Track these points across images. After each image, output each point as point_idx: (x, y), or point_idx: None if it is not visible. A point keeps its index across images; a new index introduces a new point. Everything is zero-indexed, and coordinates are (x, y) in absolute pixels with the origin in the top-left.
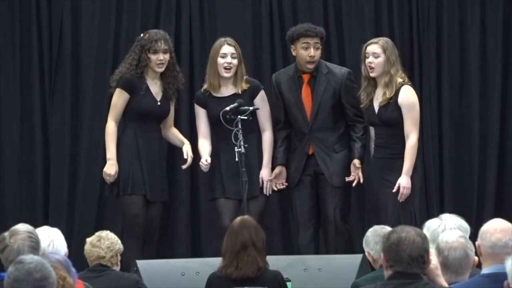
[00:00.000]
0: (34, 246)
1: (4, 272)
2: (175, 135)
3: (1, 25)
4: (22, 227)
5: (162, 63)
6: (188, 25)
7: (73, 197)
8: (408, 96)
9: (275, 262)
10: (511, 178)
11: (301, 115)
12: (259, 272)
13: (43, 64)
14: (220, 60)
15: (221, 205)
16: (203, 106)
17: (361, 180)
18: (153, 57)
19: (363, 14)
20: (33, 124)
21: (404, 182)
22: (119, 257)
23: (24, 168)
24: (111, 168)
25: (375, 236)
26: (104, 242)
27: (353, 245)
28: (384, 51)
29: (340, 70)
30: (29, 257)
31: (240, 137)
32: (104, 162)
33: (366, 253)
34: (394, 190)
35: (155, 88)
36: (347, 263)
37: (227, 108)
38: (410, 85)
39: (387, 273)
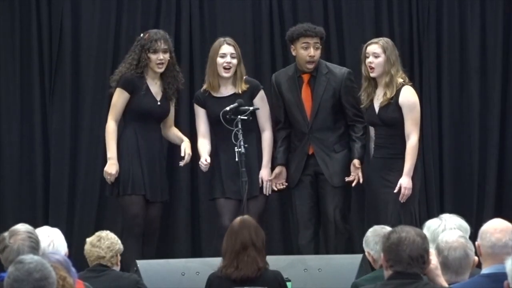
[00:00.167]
0: (34, 246)
1: (4, 273)
2: (175, 134)
3: (1, 25)
4: (22, 227)
5: (162, 63)
6: (188, 25)
7: (73, 197)
8: (409, 97)
9: (275, 262)
10: (511, 178)
11: (301, 115)
12: (259, 272)
13: (43, 64)
14: (219, 60)
15: (220, 205)
16: (202, 106)
17: (361, 180)
18: (153, 56)
19: (363, 14)
20: (33, 124)
21: (405, 182)
22: (119, 257)
23: (24, 168)
24: (111, 167)
25: (375, 236)
26: (104, 242)
27: (353, 245)
28: (384, 51)
29: (340, 70)
30: (29, 257)
31: (240, 137)
32: (104, 161)
33: (366, 253)
34: (395, 191)
35: (155, 88)
36: (347, 263)
37: (227, 108)
38: (410, 85)
39: (387, 273)
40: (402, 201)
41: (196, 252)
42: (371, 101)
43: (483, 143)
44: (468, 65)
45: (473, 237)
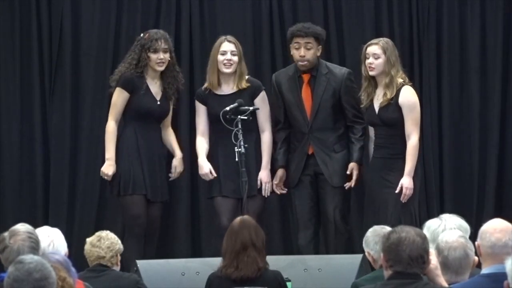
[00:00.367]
0: (34, 246)
1: (4, 273)
2: (170, 141)
3: (1, 25)
4: (22, 227)
5: (163, 62)
6: (188, 25)
7: (73, 197)
8: (409, 97)
9: (275, 262)
10: (511, 178)
11: (301, 115)
12: (259, 272)
13: (43, 64)
14: (220, 57)
15: (218, 204)
16: (203, 103)
17: (352, 184)
18: (153, 56)
19: (363, 14)
20: (33, 124)
21: (406, 182)
22: (119, 257)
23: (24, 168)
24: (109, 168)
25: (375, 236)
26: (104, 242)
27: (353, 245)
28: (385, 51)
29: (340, 70)
30: (29, 257)
31: (240, 137)
32: (104, 161)
33: (366, 253)
34: (397, 191)
35: (155, 87)
36: (347, 263)
37: (227, 108)
38: (410, 85)
39: (387, 273)
40: (403, 201)
41: (196, 252)
42: (371, 101)
43: (483, 143)
44: (468, 65)
45: (473, 237)
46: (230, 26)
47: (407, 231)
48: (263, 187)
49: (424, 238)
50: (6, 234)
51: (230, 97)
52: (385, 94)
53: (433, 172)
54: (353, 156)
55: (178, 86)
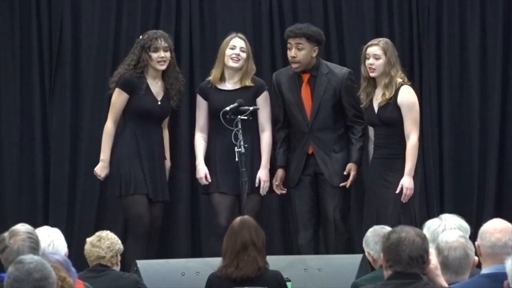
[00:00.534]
0: (34, 246)
1: (4, 273)
2: (163, 143)
3: (1, 25)
4: (22, 228)
5: (164, 60)
6: (188, 25)
7: (73, 197)
8: (407, 96)
9: (275, 262)
10: (511, 178)
11: (301, 114)
12: (259, 272)
13: (43, 64)
14: (228, 51)
15: (216, 202)
16: (205, 97)
17: (347, 185)
18: (154, 55)
19: (363, 14)
20: (33, 124)
21: (407, 183)
22: (119, 257)
23: (24, 168)
24: (102, 170)
25: (375, 236)
26: (104, 242)
27: (353, 245)
28: (385, 52)
29: (340, 70)
30: (29, 257)
31: (240, 137)
32: None
33: (366, 253)
34: (397, 191)
35: (156, 88)
36: (347, 263)
37: (227, 108)
38: (409, 85)
39: (387, 273)
40: (404, 201)
41: (196, 252)
42: (370, 101)
43: (483, 143)
44: (468, 65)
45: (473, 237)
46: (230, 26)
47: (407, 231)
48: (261, 185)
49: (424, 238)
50: (6, 234)
51: (233, 93)
52: (384, 94)
53: (433, 172)
54: (352, 156)
55: (179, 87)
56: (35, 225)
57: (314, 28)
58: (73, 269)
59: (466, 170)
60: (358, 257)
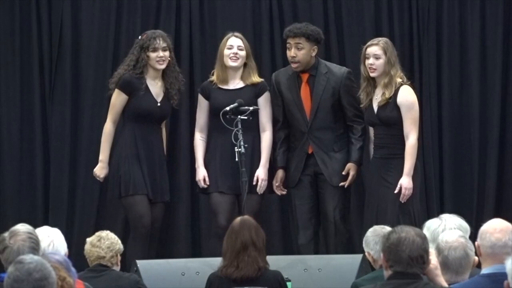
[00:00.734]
0: (34, 247)
1: (4, 273)
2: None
3: (1, 25)
4: (22, 228)
5: (163, 60)
6: (188, 25)
7: (73, 197)
8: (407, 96)
9: (275, 262)
10: (511, 178)
11: (300, 114)
12: (259, 272)
13: (43, 64)
14: (226, 51)
15: (215, 202)
16: (206, 97)
17: (345, 185)
18: (152, 54)
19: (363, 14)
20: (33, 124)
21: (405, 182)
22: (119, 257)
23: (24, 168)
24: (101, 170)
25: (375, 236)
26: (104, 242)
27: (353, 245)
28: (385, 52)
29: (339, 70)
30: (29, 257)
31: (240, 137)
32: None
33: (366, 253)
34: (396, 191)
35: (155, 88)
36: (347, 263)
37: (227, 108)
38: (409, 84)
39: (387, 273)
40: (402, 201)
41: (196, 252)
42: (370, 101)
43: (483, 143)
44: (468, 65)
45: (473, 237)
46: (230, 26)
47: (407, 231)
48: (258, 183)
49: (424, 238)
50: (6, 234)
51: (235, 92)
52: (384, 94)
53: (433, 172)
54: (352, 156)
55: (179, 87)
56: (35, 225)
57: (313, 27)
58: (73, 269)
59: (466, 170)
60: (358, 257)
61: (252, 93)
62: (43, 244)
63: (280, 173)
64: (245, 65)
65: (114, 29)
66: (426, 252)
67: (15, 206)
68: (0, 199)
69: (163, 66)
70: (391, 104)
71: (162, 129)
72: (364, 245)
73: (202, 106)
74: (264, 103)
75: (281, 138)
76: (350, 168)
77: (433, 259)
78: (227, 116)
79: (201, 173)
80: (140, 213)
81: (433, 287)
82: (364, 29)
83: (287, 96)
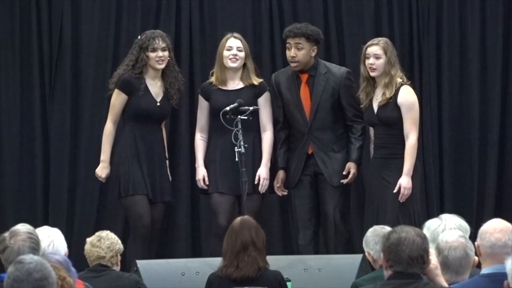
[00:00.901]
0: (35, 247)
1: (4, 273)
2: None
3: (1, 25)
4: (22, 228)
5: (162, 60)
6: (188, 25)
7: (73, 197)
8: (407, 96)
9: (275, 262)
10: (511, 178)
11: (300, 114)
12: (259, 272)
13: (43, 64)
14: (225, 53)
15: (215, 202)
16: (206, 98)
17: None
18: (151, 54)
19: (363, 14)
20: (33, 124)
21: (405, 182)
22: (119, 257)
23: (24, 168)
24: (103, 170)
25: (375, 236)
26: (104, 242)
27: (353, 245)
28: (385, 52)
29: (339, 70)
30: (29, 257)
31: (240, 137)
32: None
33: (366, 253)
34: (395, 191)
35: (155, 88)
36: (347, 263)
37: (227, 108)
38: (409, 84)
39: (387, 273)
40: (401, 201)
41: (196, 252)
42: (370, 101)
43: (483, 143)
44: (468, 65)
45: (473, 237)
46: (230, 26)
47: (407, 231)
48: (260, 182)
49: (424, 238)
50: (6, 234)
51: (235, 93)
52: (384, 94)
53: (433, 172)
54: (352, 155)
55: (179, 86)
56: (35, 225)
57: (312, 27)
58: (73, 269)
59: (466, 170)
60: (358, 257)
61: (252, 93)
62: (43, 244)
63: (281, 174)
64: (244, 65)
65: (114, 29)
66: (426, 252)
67: (15, 206)
68: (0, 199)
69: (162, 66)
70: (391, 104)
71: (162, 129)
72: (364, 245)
73: (203, 107)
74: (264, 103)
75: (282, 138)
76: (351, 167)
77: (433, 259)
78: (227, 116)
79: (201, 173)
80: (140, 213)
81: (433, 287)
82: (364, 29)
83: (286, 96)
